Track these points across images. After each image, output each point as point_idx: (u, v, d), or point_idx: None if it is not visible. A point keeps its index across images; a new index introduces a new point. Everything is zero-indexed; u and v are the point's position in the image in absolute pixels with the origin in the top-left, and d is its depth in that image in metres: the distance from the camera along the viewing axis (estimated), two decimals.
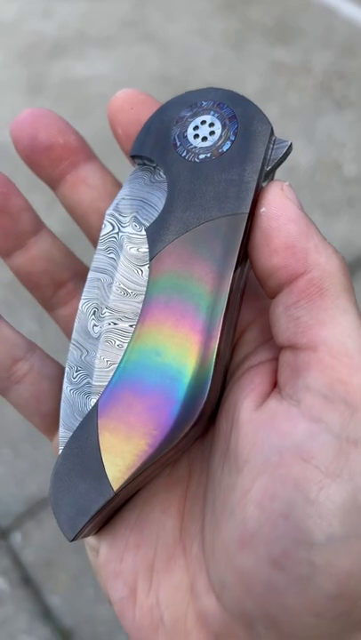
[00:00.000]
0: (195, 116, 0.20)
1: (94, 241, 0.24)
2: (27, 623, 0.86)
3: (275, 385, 0.17)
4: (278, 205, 0.17)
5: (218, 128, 0.19)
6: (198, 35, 1.74)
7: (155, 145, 0.21)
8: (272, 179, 0.20)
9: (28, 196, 0.28)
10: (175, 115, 0.21)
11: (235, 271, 0.18)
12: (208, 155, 0.19)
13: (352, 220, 1.28)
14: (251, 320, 0.20)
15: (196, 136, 0.20)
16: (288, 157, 0.20)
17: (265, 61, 1.64)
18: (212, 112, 0.20)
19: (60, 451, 0.19)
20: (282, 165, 0.20)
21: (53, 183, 0.24)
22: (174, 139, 0.20)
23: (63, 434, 0.20)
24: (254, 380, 0.18)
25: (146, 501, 0.19)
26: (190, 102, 0.20)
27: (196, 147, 0.20)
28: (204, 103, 0.20)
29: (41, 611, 0.87)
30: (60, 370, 0.23)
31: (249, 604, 0.15)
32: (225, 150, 0.19)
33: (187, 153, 0.20)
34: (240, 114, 0.20)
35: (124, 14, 1.82)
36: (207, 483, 0.18)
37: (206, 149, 0.19)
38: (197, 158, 0.19)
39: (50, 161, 0.22)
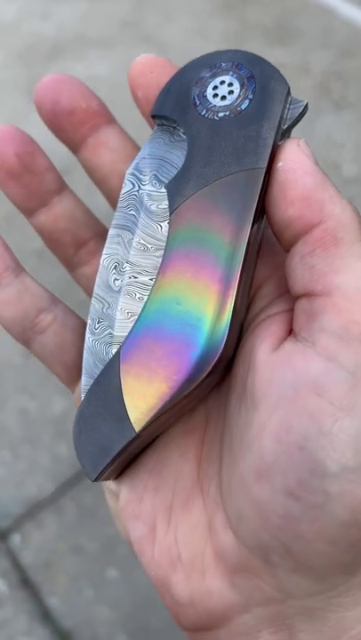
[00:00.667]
0: (214, 76, 0.21)
1: (114, 203, 0.24)
2: (26, 625, 0.86)
3: (290, 332, 0.18)
4: (295, 159, 0.18)
5: (236, 87, 0.20)
6: (197, 35, 1.74)
7: (175, 105, 0.21)
8: (288, 137, 0.21)
9: None
10: (195, 76, 0.21)
11: (252, 225, 0.18)
12: (227, 113, 0.20)
13: None
14: (267, 276, 0.21)
15: (216, 95, 0.20)
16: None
17: None
18: (230, 72, 0.21)
19: (83, 396, 0.20)
20: None
21: (75, 146, 0.24)
22: (194, 98, 0.21)
23: (85, 382, 0.21)
24: (271, 327, 0.18)
25: (164, 447, 0.20)
26: (210, 64, 0.21)
27: (215, 105, 0.20)
28: (223, 64, 0.21)
29: (40, 612, 0.87)
30: (83, 323, 0.24)
31: (265, 534, 0.16)
32: (243, 108, 0.20)
33: (206, 112, 0.20)
34: (258, 74, 0.20)
35: (123, 15, 1.82)
36: (224, 426, 0.19)
37: (225, 108, 0.20)
38: (217, 116, 0.20)
39: (72, 125, 0.23)
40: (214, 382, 0.20)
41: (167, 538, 0.19)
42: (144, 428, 0.18)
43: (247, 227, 0.18)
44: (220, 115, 0.20)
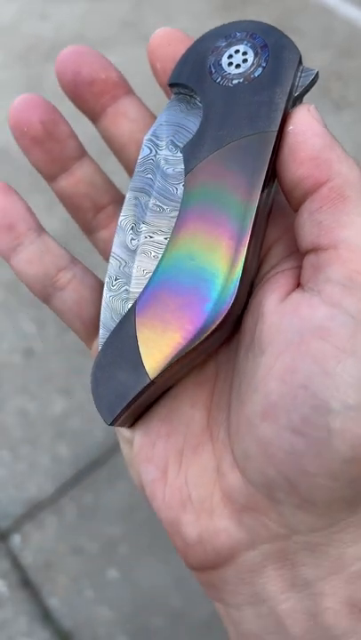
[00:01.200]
0: (229, 45, 0.22)
1: (132, 172, 0.25)
2: (26, 625, 0.86)
3: (298, 286, 0.19)
4: (304, 122, 0.19)
5: (250, 56, 0.21)
6: (197, 35, 1.74)
7: (191, 73, 0.22)
8: (300, 103, 0.22)
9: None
10: (211, 45, 0.22)
11: (264, 187, 0.19)
12: (241, 80, 0.21)
13: None
14: (277, 237, 0.22)
15: (230, 64, 0.21)
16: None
17: None
18: (245, 42, 0.21)
19: (100, 347, 0.21)
20: None
21: (95, 116, 0.26)
22: (210, 67, 0.22)
23: (103, 334, 0.22)
24: (279, 280, 0.19)
25: (176, 397, 0.21)
26: (225, 34, 0.22)
27: (229, 73, 0.21)
28: (238, 34, 0.22)
29: (40, 613, 0.86)
30: (100, 282, 0.25)
31: (271, 471, 0.17)
32: (257, 76, 0.21)
33: (221, 79, 0.21)
34: (271, 43, 0.21)
35: (122, 15, 1.82)
36: (233, 375, 0.20)
37: (239, 75, 0.21)
38: (231, 83, 0.21)
39: (92, 95, 0.24)
40: (224, 336, 0.21)
41: (178, 480, 0.20)
42: (158, 376, 0.19)
43: (259, 187, 0.19)
44: (235, 82, 0.21)
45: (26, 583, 0.89)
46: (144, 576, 0.88)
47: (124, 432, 0.22)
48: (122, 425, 0.21)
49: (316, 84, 0.22)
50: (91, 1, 1.89)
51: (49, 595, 0.87)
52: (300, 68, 0.21)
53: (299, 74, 0.21)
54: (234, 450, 0.19)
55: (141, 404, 0.20)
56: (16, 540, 0.92)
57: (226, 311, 0.18)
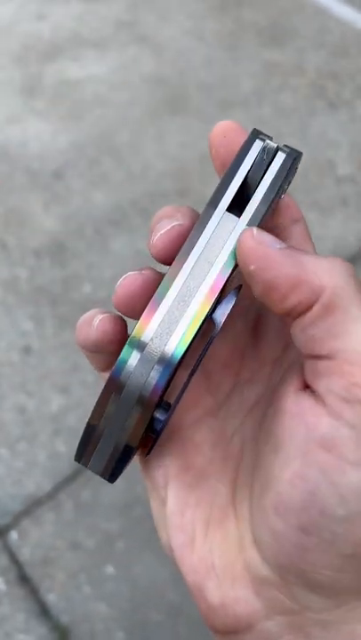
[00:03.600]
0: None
1: None
2: (23, 622, 0.86)
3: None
4: (263, 255, 0.19)
5: None
6: (192, 36, 1.75)
7: None
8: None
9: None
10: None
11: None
12: None
13: (346, 218, 1.29)
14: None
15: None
16: (286, 166, 0.21)
17: (259, 62, 1.65)
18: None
19: None
20: None
21: None
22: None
23: None
24: (299, 371, 0.20)
25: (203, 473, 0.22)
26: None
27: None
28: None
29: (38, 609, 0.87)
30: None
31: (282, 558, 0.19)
32: None
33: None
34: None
35: (118, 16, 1.83)
36: (256, 457, 0.21)
37: None
38: None
39: None
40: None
41: (204, 548, 0.21)
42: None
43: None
44: None
45: (24, 579, 0.89)
46: (142, 572, 0.88)
47: (158, 493, 0.23)
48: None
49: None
50: (87, 1, 1.89)
51: (47, 591, 0.88)
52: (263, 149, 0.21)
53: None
54: (252, 530, 0.20)
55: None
56: (14, 536, 0.92)
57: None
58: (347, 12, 1.79)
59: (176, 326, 0.19)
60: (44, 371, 1.08)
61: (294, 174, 0.22)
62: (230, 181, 0.20)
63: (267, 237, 0.19)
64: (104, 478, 0.21)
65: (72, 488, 0.95)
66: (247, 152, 0.21)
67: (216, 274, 0.19)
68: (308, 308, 0.18)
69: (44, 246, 1.24)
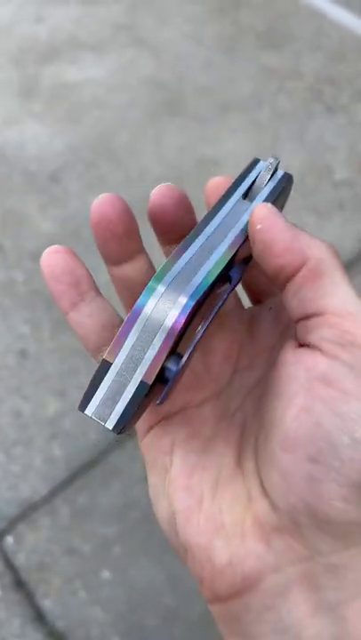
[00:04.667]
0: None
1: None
2: (19, 628, 0.86)
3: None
4: (270, 220, 0.22)
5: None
6: (190, 39, 1.75)
7: None
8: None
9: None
10: None
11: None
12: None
13: (343, 222, 1.29)
14: None
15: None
16: (281, 160, 0.24)
17: (256, 65, 1.65)
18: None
19: None
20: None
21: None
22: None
23: None
24: (292, 341, 0.22)
25: (209, 440, 0.24)
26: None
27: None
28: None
29: (33, 614, 0.86)
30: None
31: (292, 497, 0.20)
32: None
33: None
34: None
35: (116, 18, 1.83)
36: (259, 418, 0.23)
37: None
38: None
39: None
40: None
41: (212, 508, 0.22)
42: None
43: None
44: None
45: (19, 584, 0.88)
46: (138, 576, 0.88)
47: (162, 460, 0.24)
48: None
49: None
50: (85, 4, 1.89)
51: (42, 596, 0.87)
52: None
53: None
54: (262, 480, 0.21)
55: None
56: (9, 541, 0.92)
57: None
58: (344, 17, 1.80)
59: (201, 267, 0.21)
60: (40, 374, 1.08)
61: (286, 199, 0.25)
62: (243, 179, 0.24)
63: (277, 211, 0.22)
64: (109, 427, 0.20)
65: (68, 493, 0.95)
66: (253, 167, 0.24)
67: (235, 234, 0.22)
68: (296, 269, 0.21)
69: (41, 249, 1.23)
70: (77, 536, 0.92)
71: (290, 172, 0.25)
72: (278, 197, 0.24)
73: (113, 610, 0.86)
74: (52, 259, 0.26)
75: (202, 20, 1.81)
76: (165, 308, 0.20)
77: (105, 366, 0.20)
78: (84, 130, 1.49)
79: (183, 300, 0.20)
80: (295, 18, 1.81)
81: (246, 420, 0.24)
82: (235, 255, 0.22)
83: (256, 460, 0.22)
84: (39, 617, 0.86)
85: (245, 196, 0.24)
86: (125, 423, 0.20)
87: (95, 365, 0.21)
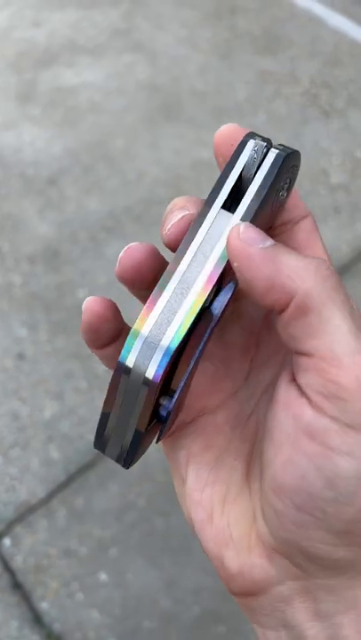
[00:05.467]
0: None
1: None
2: (16, 630, 0.86)
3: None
4: (245, 255, 0.20)
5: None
6: (187, 44, 1.76)
7: None
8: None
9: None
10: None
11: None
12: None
13: (339, 226, 1.30)
14: None
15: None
16: (277, 164, 0.22)
17: (253, 70, 1.66)
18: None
19: None
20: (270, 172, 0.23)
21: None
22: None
23: None
24: (290, 367, 0.22)
25: (222, 452, 0.24)
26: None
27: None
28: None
29: (30, 617, 0.86)
30: None
31: (283, 533, 0.21)
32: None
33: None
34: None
35: (113, 24, 1.84)
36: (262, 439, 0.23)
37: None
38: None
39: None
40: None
41: (221, 522, 0.23)
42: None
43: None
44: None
45: (16, 587, 0.89)
46: (135, 578, 0.88)
47: (179, 472, 0.25)
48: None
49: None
50: (83, 9, 1.90)
51: (40, 598, 0.87)
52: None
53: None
54: (260, 506, 0.22)
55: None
56: (6, 543, 0.92)
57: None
58: (340, 22, 1.81)
59: (174, 316, 0.20)
60: (37, 377, 1.08)
61: (295, 172, 0.23)
62: (225, 180, 0.21)
63: (252, 235, 0.20)
64: (120, 464, 0.23)
65: (65, 495, 0.95)
66: (240, 153, 0.22)
67: (212, 267, 0.21)
68: (285, 307, 0.20)
69: (39, 252, 1.25)
70: (74, 538, 0.92)
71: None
72: (275, 182, 0.22)
73: (110, 612, 0.86)
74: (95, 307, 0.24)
75: (198, 25, 1.82)
76: (144, 363, 0.20)
77: (105, 416, 0.22)
78: (81, 134, 1.50)
79: (158, 356, 0.20)
80: (291, 23, 1.82)
81: (258, 429, 0.24)
82: (217, 286, 0.21)
83: (260, 484, 0.22)
84: (36, 619, 0.86)
85: (230, 200, 0.21)
86: (131, 460, 0.23)
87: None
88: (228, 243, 0.20)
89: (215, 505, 0.23)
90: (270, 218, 0.23)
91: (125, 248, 0.22)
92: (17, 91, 1.63)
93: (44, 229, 1.28)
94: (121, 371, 0.21)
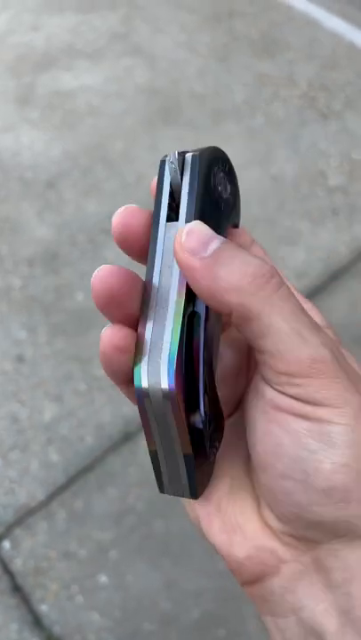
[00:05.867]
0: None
1: None
2: (16, 632, 0.86)
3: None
4: (188, 266, 0.21)
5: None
6: (185, 47, 1.77)
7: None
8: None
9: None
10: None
11: None
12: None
13: (337, 228, 1.30)
14: None
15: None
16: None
17: (251, 73, 1.67)
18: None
19: None
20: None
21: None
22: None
23: None
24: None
25: (224, 446, 0.25)
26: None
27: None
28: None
29: (30, 619, 0.86)
30: None
31: (278, 507, 0.22)
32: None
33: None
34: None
35: (112, 28, 1.84)
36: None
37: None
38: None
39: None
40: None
41: (229, 512, 0.24)
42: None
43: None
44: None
45: (16, 589, 0.88)
46: (134, 581, 0.88)
47: None
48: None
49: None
50: (81, 13, 1.91)
51: (39, 601, 0.87)
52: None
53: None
54: (258, 491, 0.24)
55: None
56: (6, 546, 0.92)
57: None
58: (337, 24, 1.82)
59: (164, 330, 0.21)
60: (37, 379, 1.08)
61: (226, 164, 0.24)
62: (160, 199, 0.23)
63: (193, 244, 0.21)
64: (188, 497, 0.23)
65: (65, 497, 0.95)
66: (163, 171, 0.23)
67: (178, 275, 0.22)
68: (230, 314, 0.21)
69: (37, 255, 1.25)
70: (74, 541, 0.92)
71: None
72: (203, 180, 0.22)
73: (110, 614, 0.86)
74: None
75: (197, 28, 1.83)
76: (156, 379, 0.21)
77: (154, 455, 0.23)
78: (79, 137, 1.50)
79: (164, 367, 0.21)
80: (288, 26, 1.83)
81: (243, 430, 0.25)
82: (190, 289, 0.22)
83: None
84: (36, 622, 0.86)
85: (172, 213, 0.22)
86: (197, 488, 0.23)
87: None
88: (174, 254, 0.21)
89: (222, 497, 0.25)
90: (221, 213, 0.24)
91: (97, 270, 0.22)
92: (15, 94, 1.63)
93: (42, 232, 1.29)
94: (142, 397, 0.21)
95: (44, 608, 0.87)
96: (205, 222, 0.21)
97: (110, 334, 0.22)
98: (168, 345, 0.21)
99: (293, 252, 1.24)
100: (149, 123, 1.53)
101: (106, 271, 0.22)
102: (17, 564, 0.90)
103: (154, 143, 1.48)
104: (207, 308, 0.22)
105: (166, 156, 0.23)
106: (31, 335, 1.14)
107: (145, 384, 0.21)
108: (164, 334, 0.21)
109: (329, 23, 1.83)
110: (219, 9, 1.91)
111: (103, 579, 0.89)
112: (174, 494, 0.24)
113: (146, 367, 0.21)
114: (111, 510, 0.93)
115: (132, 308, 0.23)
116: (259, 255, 0.24)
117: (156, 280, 0.22)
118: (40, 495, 0.96)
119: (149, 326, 0.22)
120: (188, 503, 0.26)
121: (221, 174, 0.24)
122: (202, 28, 1.83)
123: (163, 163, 0.23)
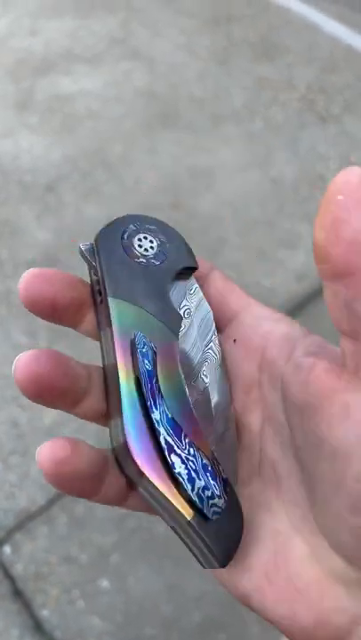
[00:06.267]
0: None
1: None
2: (17, 638, 0.85)
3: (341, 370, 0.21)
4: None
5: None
6: (184, 51, 1.77)
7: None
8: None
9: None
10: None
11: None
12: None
13: None
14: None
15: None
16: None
17: (250, 76, 1.68)
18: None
19: None
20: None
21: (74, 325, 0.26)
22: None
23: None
24: (319, 365, 0.21)
25: (249, 508, 0.22)
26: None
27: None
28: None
29: (32, 624, 0.86)
30: None
31: (348, 542, 0.19)
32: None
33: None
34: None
35: (111, 32, 1.85)
36: (303, 473, 0.21)
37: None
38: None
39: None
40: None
41: (281, 577, 0.21)
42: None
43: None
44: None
45: (17, 594, 0.88)
46: (136, 585, 0.88)
47: None
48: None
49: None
50: (80, 17, 1.92)
51: (40, 606, 0.87)
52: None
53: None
54: (329, 540, 0.20)
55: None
56: (7, 550, 0.91)
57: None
58: (335, 28, 1.83)
59: (120, 401, 0.21)
60: None
61: (146, 226, 0.25)
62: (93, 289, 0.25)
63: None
64: (217, 567, 0.21)
65: (65, 502, 0.95)
66: (86, 259, 0.25)
67: (117, 343, 0.23)
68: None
69: (37, 259, 1.25)
70: (75, 545, 0.91)
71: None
72: (107, 255, 0.24)
73: (111, 619, 0.86)
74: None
75: (195, 32, 1.84)
76: (117, 436, 0.21)
77: (174, 532, 0.21)
78: (79, 141, 1.51)
79: (120, 425, 0.21)
80: (287, 30, 1.83)
81: (277, 474, 0.22)
82: (131, 348, 0.22)
83: (318, 518, 0.21)
84: (37, 627, 0.86)
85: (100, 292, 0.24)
86: (215, 553, 0.20)
87: None
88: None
89: (268, 563, 0.21)
90: (157, 268, 0.24)
91: (19, 356, 0.21)
92: (14, 98, 1.63)
93: (42, 236, 1.29)
94: (117, 459, 0.22)
95: (45, 613, 0.86)
96: (131, 284, 0.23)
97: (50, 450, 0.21)
98: (123, 410, 0.21)
99: (293, 255, 1.24)
100: (148, 126, 1.53)
101: (28, 358, 0.22)
102: (17, 569, 0.90)
103: (153, 146, 1.49)
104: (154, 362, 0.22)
105: (82, 245, 0.25)
106: (31, 340, 1.14)
107: (117, 444, 0.21)
108: (120, 403, 0.21)
109: (327, 26, 1.83)
110: (217, 13, 1.91)
111: (104, 583, 0.89)
112: (211, 567, 0.21)
113: (113, 431, 0.22)
114: (112, 514, 0.93)
115: (63, 386, 0.22)
116: (220, 280, 0.25)
117: (102, 355, 0.23)
118: (40, 499, 0.95)
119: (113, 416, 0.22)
120: (229, 583, 0.22)
121: (140, 235, 0.25)
122: (201, 32, 1.84)
123: (81, 252, 0.25)
